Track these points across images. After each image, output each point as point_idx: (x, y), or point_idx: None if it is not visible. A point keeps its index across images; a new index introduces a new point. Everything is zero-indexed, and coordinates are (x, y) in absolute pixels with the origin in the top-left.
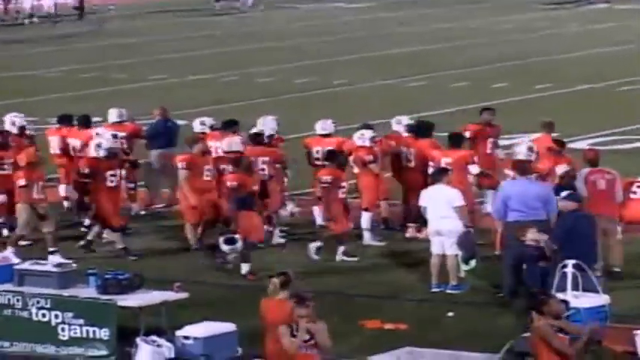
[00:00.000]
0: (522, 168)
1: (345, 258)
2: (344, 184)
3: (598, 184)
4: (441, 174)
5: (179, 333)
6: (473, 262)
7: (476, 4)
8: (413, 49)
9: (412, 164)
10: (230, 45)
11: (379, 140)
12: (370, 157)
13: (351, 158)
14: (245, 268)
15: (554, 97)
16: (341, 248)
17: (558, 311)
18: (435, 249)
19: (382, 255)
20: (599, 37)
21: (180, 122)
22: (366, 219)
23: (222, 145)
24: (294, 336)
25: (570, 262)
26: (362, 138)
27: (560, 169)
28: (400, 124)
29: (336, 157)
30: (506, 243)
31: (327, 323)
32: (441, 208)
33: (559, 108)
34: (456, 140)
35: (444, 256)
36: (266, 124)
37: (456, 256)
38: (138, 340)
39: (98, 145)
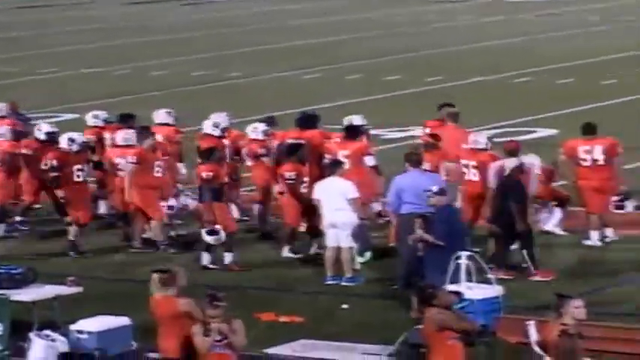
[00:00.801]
0: (414, 160)
1: (320, 251)
2: (306, 178)
3: None
4: (335, 166)
5: (73, 327)
6: (368, 255)
7: None
8: (310, 41)
9: None
10: (123, 37)
11: (272, 133)
12: (262, 150)
13: (243, 151)
14: (228, 257)
15: (448, 89)
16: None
17: (448, 302)
18: (330, 241)
19: (277, 248)
20: (491, 29)
21: (73, 115)
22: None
23: (116, 138)
24: (207, 335)
25: (464, 254)
26: (255, 131)
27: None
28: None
29: (298, 151)
30: (400, 235)
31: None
32: (335, 201)
33: (453, 100)
34: (352, 132)
35: (338, 249)
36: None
37: (351, 248)
38: (31, 334)
39: (71, 140)
